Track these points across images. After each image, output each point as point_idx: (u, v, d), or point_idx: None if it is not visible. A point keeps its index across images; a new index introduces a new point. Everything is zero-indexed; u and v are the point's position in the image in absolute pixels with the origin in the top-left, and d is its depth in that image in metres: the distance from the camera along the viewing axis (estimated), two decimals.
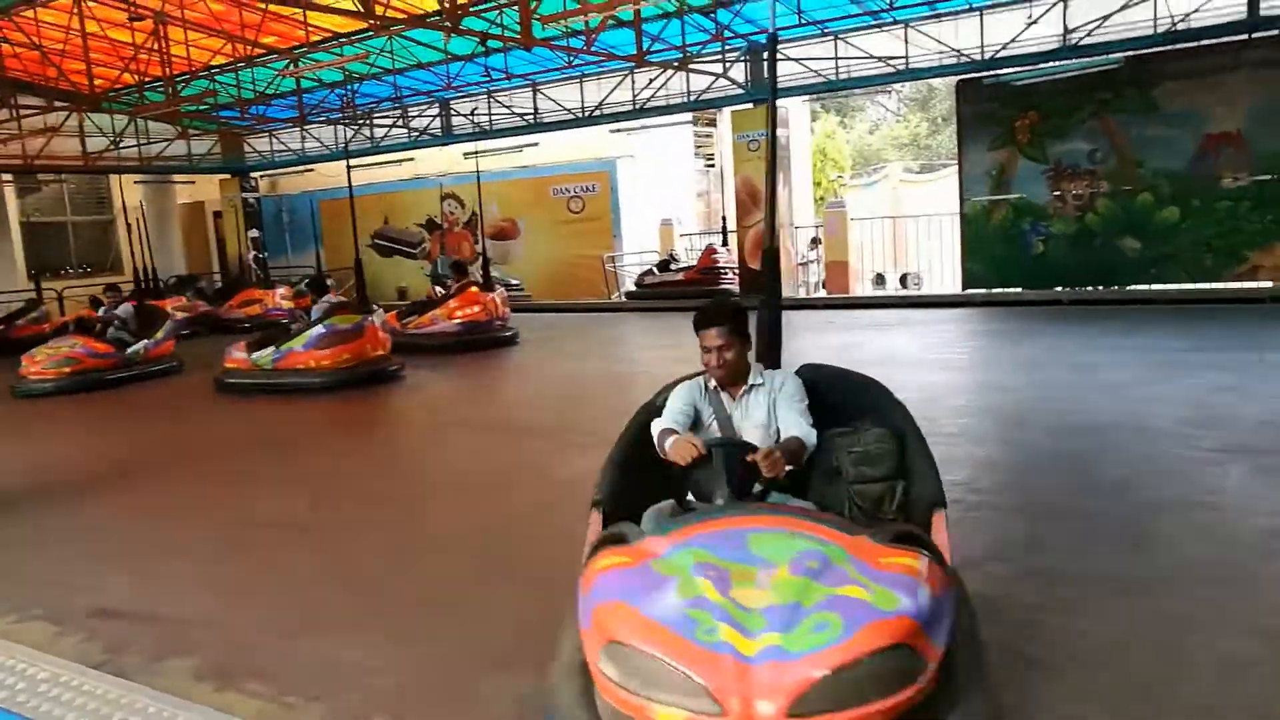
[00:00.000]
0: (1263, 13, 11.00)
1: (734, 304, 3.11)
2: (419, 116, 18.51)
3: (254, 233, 21.43)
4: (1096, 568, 3.48)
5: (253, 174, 21.62)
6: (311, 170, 21.60)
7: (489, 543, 4.31)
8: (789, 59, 14.23)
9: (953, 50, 12.89)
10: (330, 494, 5.39)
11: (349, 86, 16.36)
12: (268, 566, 4.14)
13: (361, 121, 18.45)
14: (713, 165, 22.01)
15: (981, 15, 12.67)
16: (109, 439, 7.63)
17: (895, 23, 13.05)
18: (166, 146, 18.56)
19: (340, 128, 19.19)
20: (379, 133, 19.05)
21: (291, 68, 13.58)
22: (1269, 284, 11.15)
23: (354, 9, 9.51)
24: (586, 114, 16.29)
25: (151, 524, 4.97)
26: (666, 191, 19.50)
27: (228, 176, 21.35)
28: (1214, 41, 11.34)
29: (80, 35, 11.00)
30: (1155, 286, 11.82)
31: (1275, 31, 10.98)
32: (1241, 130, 11.29)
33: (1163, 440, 5.13)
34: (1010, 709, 2.51)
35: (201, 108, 16.82)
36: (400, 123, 18.52)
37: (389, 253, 21.51)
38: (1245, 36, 11.16)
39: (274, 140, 20.82)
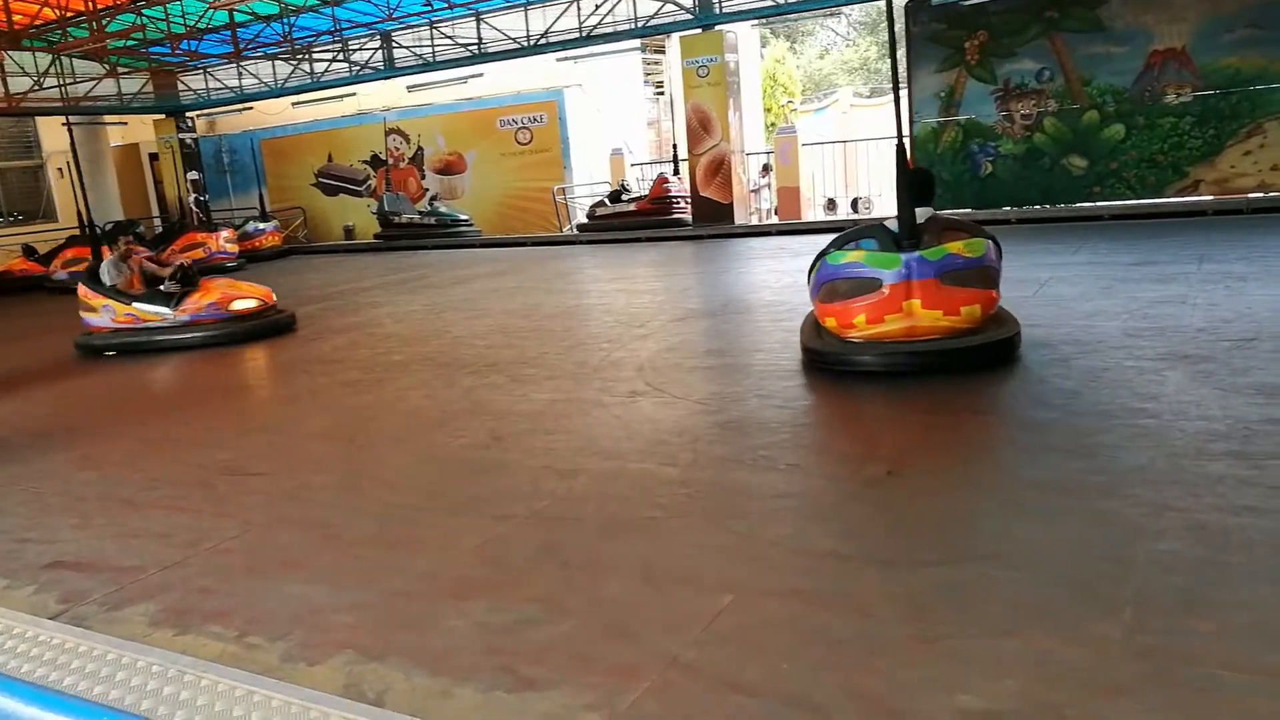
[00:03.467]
0: None
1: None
2: (360, 50, 17.97)
3: (193, 174, 20.82)
4: (1044, 476, 3.57)
5: (189, 113, 20.92)
6: (251, 109, 20.98)
7: (442, 477, 4.32)
8: None
9: None
10: (283, 439, 5.34)
11: (286, 20, 15.79)
12: (223, 512, 4.10)
13: (301, 57, 17.87)
14: (662, 93, 21.73)
15: None
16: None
17: None
18: (94, 86, 17.85)
19: (279, 63, 18.59)
20: (319, 68, 18.48)
21: (223, 0, 13.06)
22: (1209, 197, 11.36)
23: None
24: (532, 43, 15.93)
25: (102, 474, 4.89)
26: (616, 121, 19.24)
27: (162, 117, 20.64)
28: None
29: None
30: (1101, 204, 11.98)
31: None
32: (1186, 46, 11.36)
33: (1107, 351, 5.25)
34: (956, 600, 2.61)
35: (129, 44, 16.15)
36: (341, 57, 17.97)
37: (334, 191, 21.08)
38: None
39: (209, 78, 20.12)
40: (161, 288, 8.69)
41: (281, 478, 4.51)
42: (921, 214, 5.33)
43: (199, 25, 15.18)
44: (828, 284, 5.45)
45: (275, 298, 9.04)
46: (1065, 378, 4.86)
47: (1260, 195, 11.10)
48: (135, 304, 8.56)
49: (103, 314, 8.65)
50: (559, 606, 2.87)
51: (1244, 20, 11.01)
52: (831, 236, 5.89)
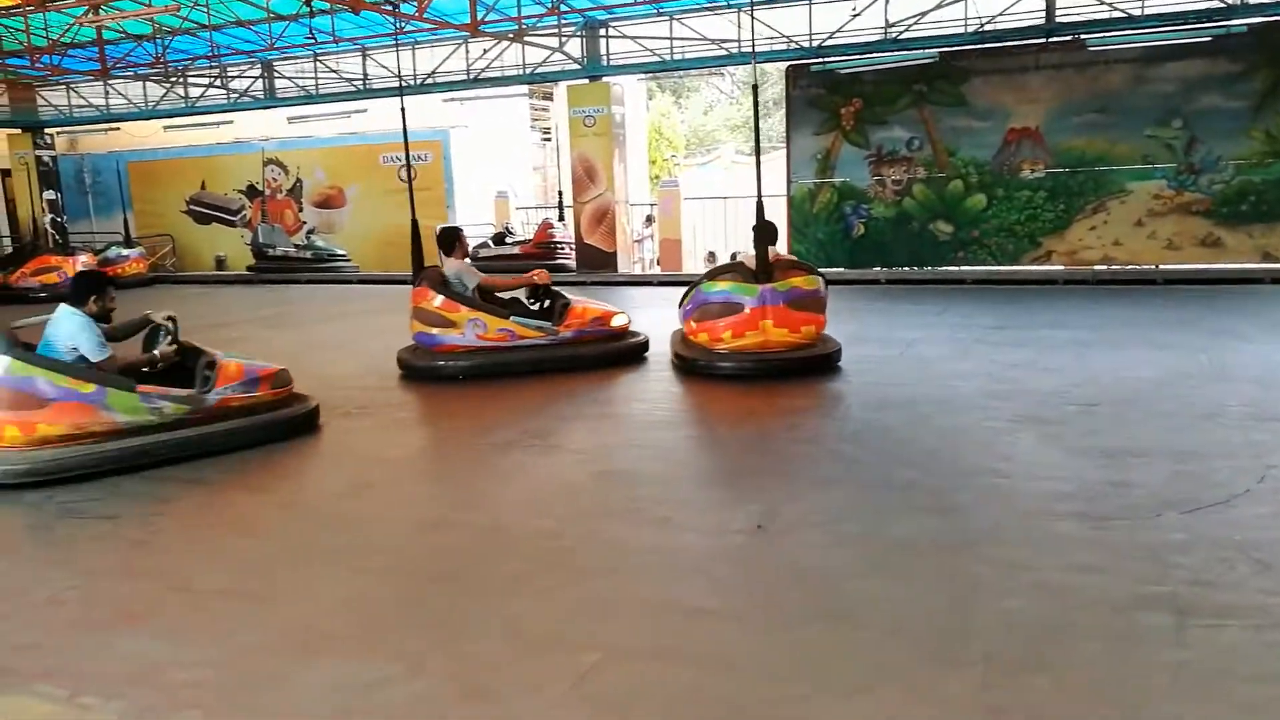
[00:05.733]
0: (1058, 19, 11.89)
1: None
2: (239, 77, 17.46)
3: (50, 194, 19.67)
4: (903, 534, 3.69)
5: (48, 130, 19.83)
6: (118, 129, 20.05)
7: (302, 526, 4.15)
8: (625, 36, 14.28)
9: (783, 37, 13.26)
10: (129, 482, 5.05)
11: (160, 40, 15.21)
12: (57, 562, 3.83)
13: (175, 79, 17.23)
14: (549, 139, 21.87)
15: (810, 4, 13.09)
16: None
17: (730, 7, 13.29)
18: None
19: (150, 85, 17.86)
20: (194, 92, 17.84)
21: (90, 15, 12.49)
22: (1060, 267, 12.13)
23: None
24: (419, 82, 15.81)
25: None
26: (502, 164, 19.24)
27: (18, 132, 19.50)
28: (1016, 44, 12.18)
29: None
30: (964, 268, 12.62)
31: (1069, 37, 11.90)
32: (1039, 126, 12.18)
33: (966, 411, 5.50)
34: (816, 658, 2.65)
35: None
36: (218, 82, 17.41)
37: (206, 220, 20.29)
38: (1043, 40, 12.04)
39: (73, 94, 19.15)
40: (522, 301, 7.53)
41: (126, 523, 4.24)
42: (770, 254, 6.78)
43: (63, 40, 14.46)
44: (702, 307, 6.89)
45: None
46: (926, 436, 5.06)
47: (1104, 267, 11.93)
48: (515, 319, 7.28)
49: (467, 330, 7.17)
50: (418, 665, 2.78)
51: (1090, 106, 11.90)
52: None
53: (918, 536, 3.64)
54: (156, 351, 5.40)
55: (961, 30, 12.35)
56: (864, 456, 4.79)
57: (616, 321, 7.55)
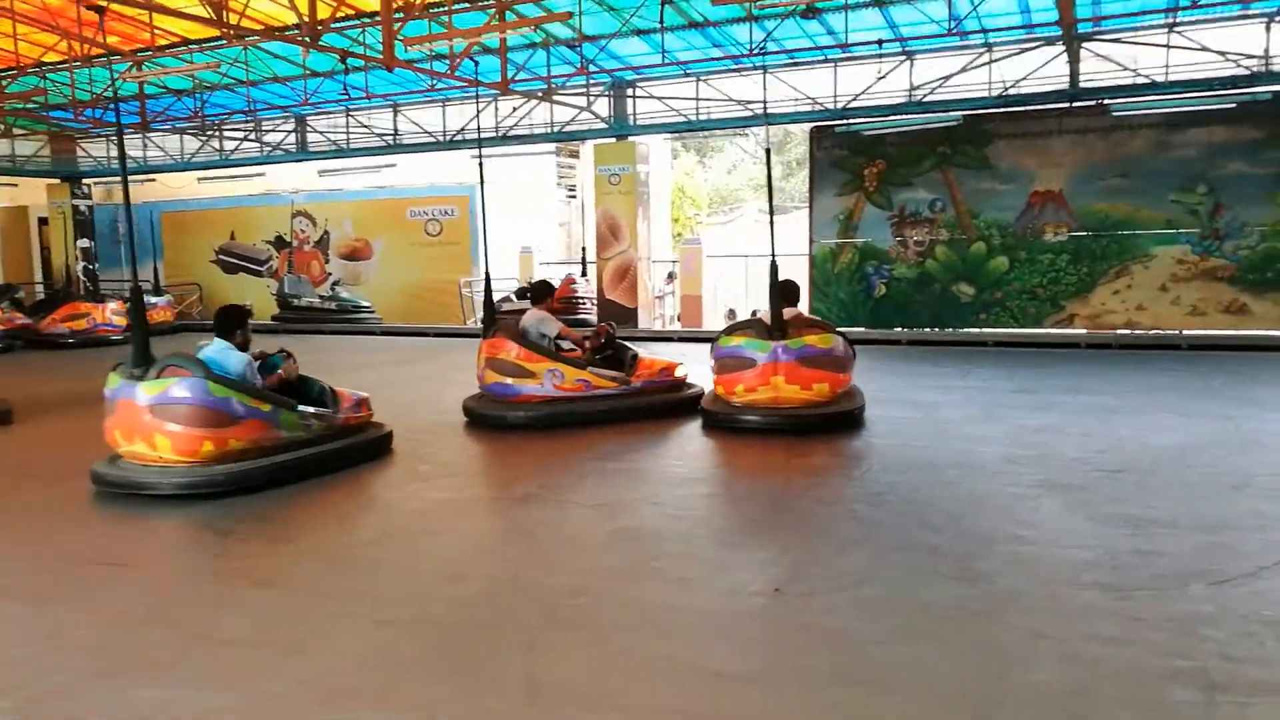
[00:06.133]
0: (1082, 84, 12.02)
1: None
2: (273, 131, 17.88)
3: (84, 242, 20.10)
4: (926, 598, 3.65)
5: (85, 180, 20.32)
6: (153, 180, 20.53)
7: (330, 574, 4.16)
8: (651, 96, 14.54)
9: (808, 98, 13.46)
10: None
11: (199, 95, 15.65)
12: (84, 607, 3.85)
13: (211, 132, 17.66)
14: (574, 196, 22.16)
15: (835, 67, 13.31)
16: None
17: (755, 68, 13.52)
18: None
19: (186, 137, 18.32)
20: (229, 145, 18.28)
21: (134, 71, 12.87)
22: (1083, 330, 12.10)
23: (205, 15, 9.14)
24: (448, 138, 16.12)
25: None
26: (528, 219, 19.48)
27: (57, 181, 19.99)
28: (1040, 108, 12.31)
29: None
30: (986, 330, 12.61)
31: (1092, 102, 12.01)
32: (1063, 190, 12.24)
33: (989, 476, 5.46)
34: None
35: (29, 106, 15.71)
36: (253, 136, 17.83)
37: (234, 269, 20.62)
38: (1066, 105, 12.16)
39: (111, 146, 19.65)
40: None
41: (148, 568, 4.27)
42: (790, 313, 7.06)
43: (106, 94, 14.90)
44: (720, 360, 7.13)
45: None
46: (950, 500, 5.02)
47: (1127, 332, 11.88)
48: (592, 369, 7.48)
49: (545, 381, 7.29)
50: (434, 717, 2.77)
51: (1114, 170, 11.97)
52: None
53: (942, 602, 3.60)
54: (281, 370, 6.04)
55: (985, 94, 12.50)
56: (885, 519, 4.75)
57: (679, 372, 7.89)
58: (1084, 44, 11.89)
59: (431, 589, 3.92)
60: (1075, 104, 12.13)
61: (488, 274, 8.25)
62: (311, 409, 5.89)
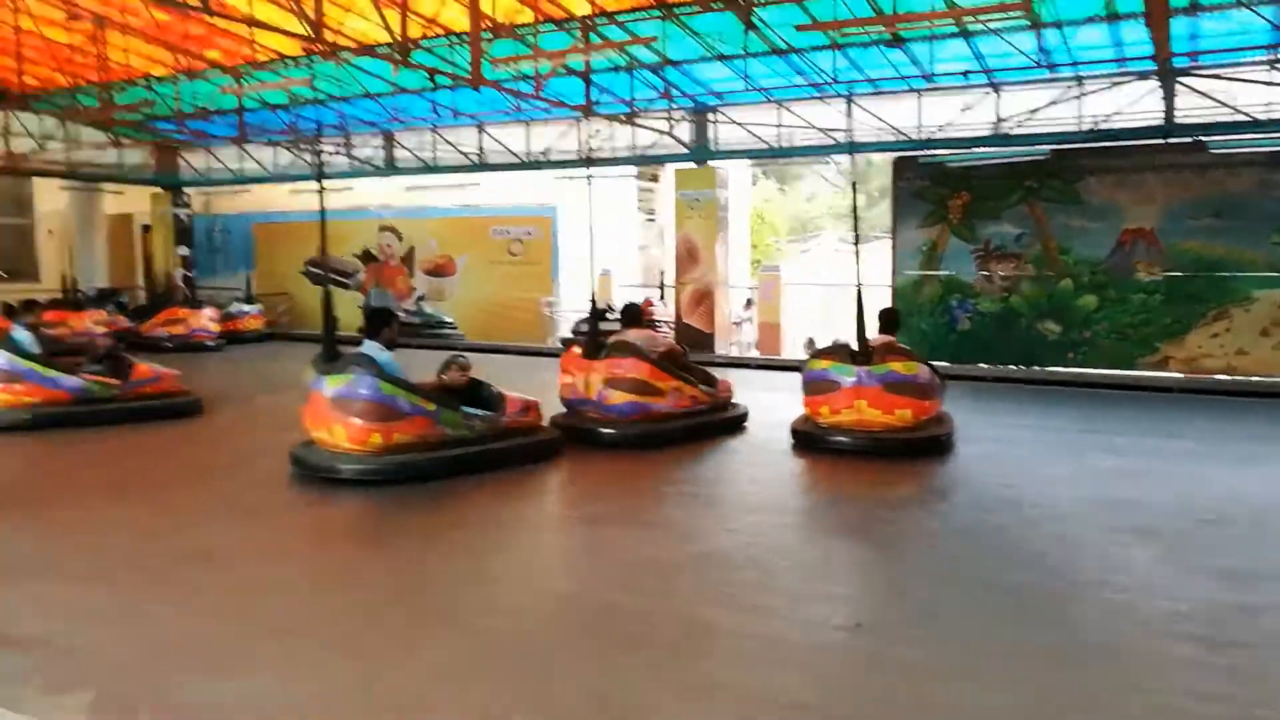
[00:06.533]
0: (1177, 120, 11.65)
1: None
2: (363, 146, 18.37)
3: (183, 250, 20.86)
4: (1011, 640, 3.53)
5: (186, 189, 21.13)
6: (248, 191, 21.22)
7: (421, 582, 4.20)
8: (733, 121, 14.54)
9: (891, 128, 13.32)
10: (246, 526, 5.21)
11: (292, 110, 16.17)
12: (179, 599, 3.96)
13: (304, 146, 18.22)
14: (654, 220, 22.26)
15: (920, 97, 13.15)
16: None
17: (838, 96, 13.44)
18: (97, 154, 18.05)
19: (279, 150, 18.92)
20: (320, 158, 18.82)
21: (235, 85, 13.37)
22: (1178, 375, 11.63)
23: (303, 32, 9.44)
24: (531, 158, 16.35)
25: (59, 547, 4.72)
26: (607, 241, 19.61)
27: (159, 190, 20.83)
28: (1132, 143, 11.96)
29: (14, 30, 10.65)
30: (1073, 370, 12.23)
31: (1188, 140, 11.63)
32: (1155, 228, 11.85)
33: (1075, 519, 5.27)
34: None
35: (136, 117, 16.43)
36: (343, 151, 18.34)
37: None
38: (1161, 141, 11.79)
39: (210, 157, 20.41)
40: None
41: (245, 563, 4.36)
42: (880, 340, 7.28)
43: (207, 106, 15.50)
44: (809, 383, 7.34)
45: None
46: (1036, 542, 4.86)
47: (1226, 378, 11.39)
48: (702, 386, 7.83)
49: (670, 397, 7.51)
50: None
51: (1208, 209, 11.53)
52: None
53: (1029, 647, 3.48)
54: (444, 376, 6.46)
55: (1075, 128, 12.21)
56: (970, 557, 4.62)
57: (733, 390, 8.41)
58: (1179, 79, 11.54)
59: (508, 602, 3.92)
60: (1170, 140, 11.76)
61: (594, 297, 8.58)
62: (476, 410, 6.25)
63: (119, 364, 8.41)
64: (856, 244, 7.93)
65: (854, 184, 8.45)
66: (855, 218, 8.07)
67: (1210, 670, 3.27)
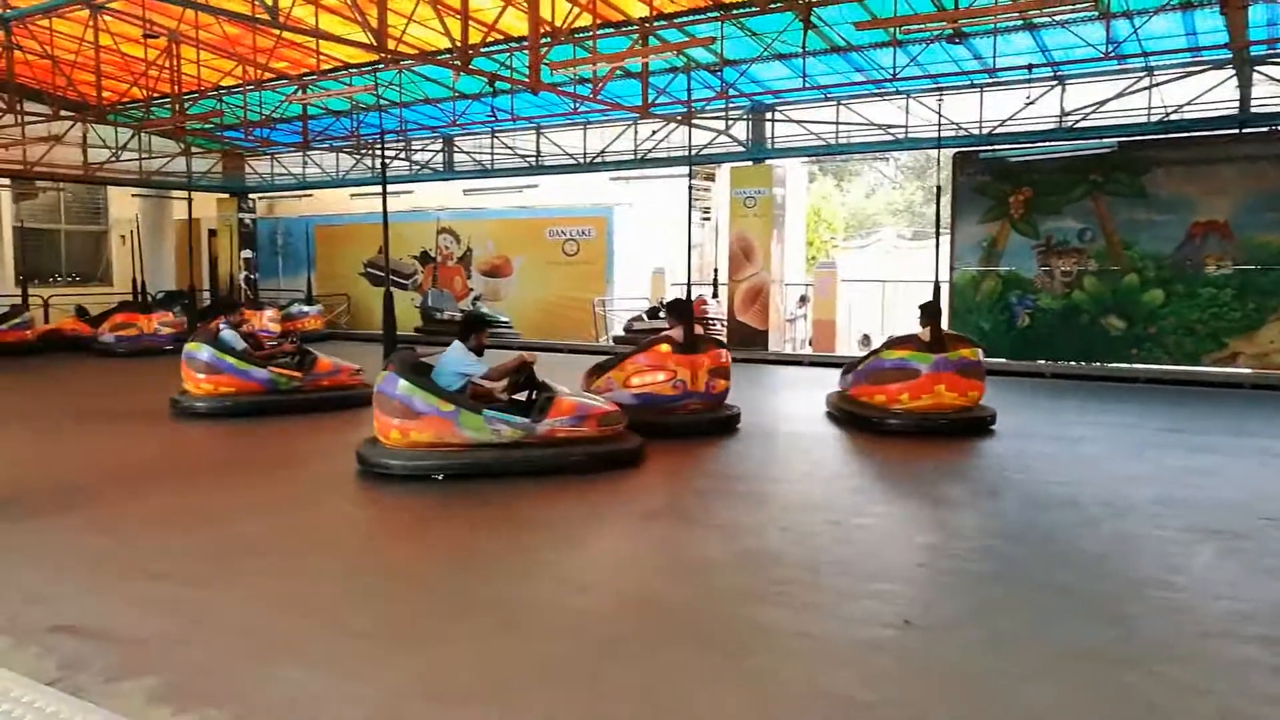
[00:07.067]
0: (1253, 110, 11.31)
1: None
2: (422, 150, 18.68)
3: (247, 253, 21.46)
4: (1066, 641, 3.49)
5: (251, 195, 21.70)
6: (310, 195, 21.72)
7: (455, 577, 4.29)
8: (790, 120, 14.48)
9: (951, 123, 13.14)
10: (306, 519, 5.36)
11: (355, 116, 16.52)
12: (237, 590, 4.10)
13: (365, 151, 18.60)
14: (708, 219, 22.21)
15: (981, 92, 12.95)
16: None
17: (896, 93, 13.30)
18: (168, 162, 18.65)
19: (341, 155, 19.33)
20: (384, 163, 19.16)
21: (300, 94, 13.71)
22: (1248, 370, 11.30)
23: (366, 41, 9.65)
24: (588, 160, 16.47)
25: (119, 539, 4.92)
26: (661, 241, 19.65)
27: (226, 196, 21.43)
28: (1206, 134, 11.63)
29: (93, 48, 11.10)
30: (1137, 366, 11.96)
31: (1265, 129, 11.28)
32: (1228, 220, 11.52)
33: (1136, 518, 5.17)
34: None
35: (206, 126, 16.95)
36: (403, 155, 18.68)
37: (380, 281, 21.55)
38: (1236, 131, 11.45)
39: (275, 163, 20.94)
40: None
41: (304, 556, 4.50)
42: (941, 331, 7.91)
43: (273, 115, 15.92)
44: (876, 372, 7.99)
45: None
46: (1094, 541, 4.79)
47: None
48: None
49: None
50: None
51: None
52: None
53: (1084, 646, 3.43)
54: (482, 379, 6.46)
55: (1143, 119, 11.92)
56: (1024, 555, 4.57)
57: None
58: (1256, 67, 11.20)
59: (556, 598, 3.99)
60: (1245, 130, 11.41)
61: (689, 294, 8.70)
62: (500, 415, 6.15)
63: (304, 359, 9.33)
64: (938, 239, 9.04)
65: (938, 187, 9.50)
66: (938, 215, 9.05)
67: (1273, 672, 3.19)
